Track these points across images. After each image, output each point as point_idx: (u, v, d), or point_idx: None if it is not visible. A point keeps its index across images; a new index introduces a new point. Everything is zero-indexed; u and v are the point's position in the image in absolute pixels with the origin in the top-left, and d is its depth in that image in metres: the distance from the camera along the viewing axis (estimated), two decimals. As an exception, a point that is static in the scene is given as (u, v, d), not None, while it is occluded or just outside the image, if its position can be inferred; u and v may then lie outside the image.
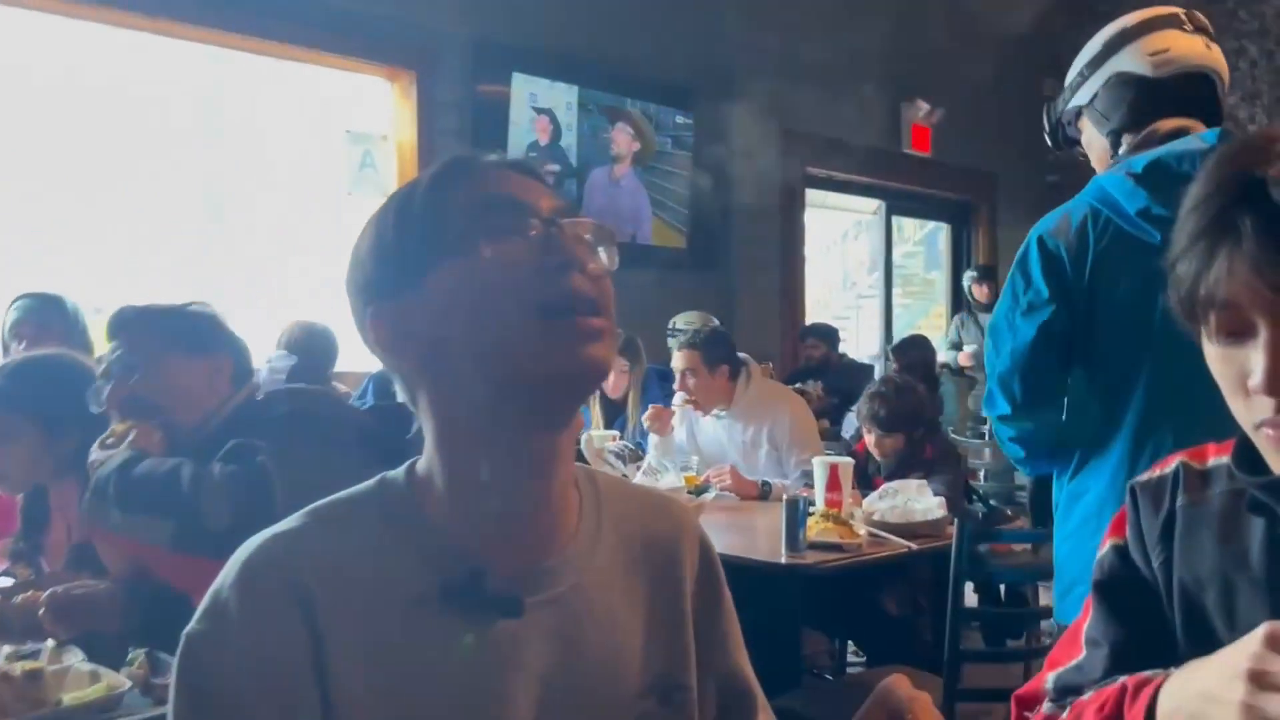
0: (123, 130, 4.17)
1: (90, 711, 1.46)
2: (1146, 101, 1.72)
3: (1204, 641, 0.87)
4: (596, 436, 3.59)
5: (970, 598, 3.21)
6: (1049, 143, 1.97)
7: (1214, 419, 0.87)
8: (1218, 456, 0.92)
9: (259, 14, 3.80)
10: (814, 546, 2.51)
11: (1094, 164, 1.86)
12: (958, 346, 6.19)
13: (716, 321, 4.27)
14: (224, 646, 0.74)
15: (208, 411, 1.84)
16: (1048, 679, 1.00)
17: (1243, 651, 0.71)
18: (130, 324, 1.85)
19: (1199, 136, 1.64)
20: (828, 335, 5.69)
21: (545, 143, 4.64)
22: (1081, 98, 1.84)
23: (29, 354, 2.33)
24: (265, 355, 3.45)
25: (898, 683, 0.80)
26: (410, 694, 0.76)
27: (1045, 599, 3.23)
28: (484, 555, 0.80)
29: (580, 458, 2.53)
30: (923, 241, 7.61)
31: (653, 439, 3.59)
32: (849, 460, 2.89)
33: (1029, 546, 2.94)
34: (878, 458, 3.25)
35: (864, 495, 2.88)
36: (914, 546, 2.63)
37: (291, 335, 3.41)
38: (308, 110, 4.45)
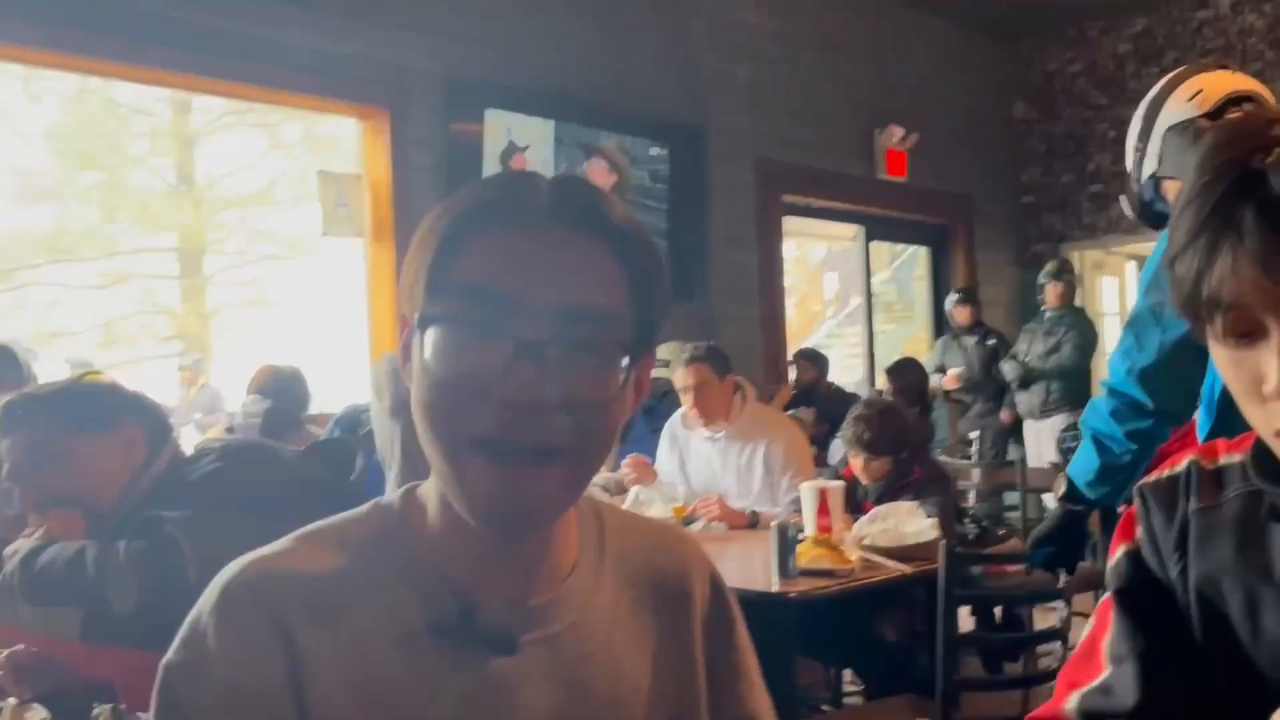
0: (94, 180, 4.15)
1: (53, 771, 1.39)
2: None
3: (1226, 653, 0.83)
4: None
5: (967, 622, 3.17)
6: (1147, 225, 2.01)
7: None
8: (1229, 454, 0.87)
9: (226, 55, 3.77)
10: (806, 573, 2.47)
11: None
12: (941, 370, 6.18)
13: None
14: (202, 677, 0.70)
15: (125, 486, 1.75)
16: (1069, 701, 0.92)
17: None
18: (24, 416, 1.73)
19: None
20: (818, 360, 5.71)
21: (521, 178, 4.61)
22: (1149, 167, 1.93)
23: None
24: (240, 400, 3.42)
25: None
26: None
27: (1042, 621, 3.18)
28: (477, 589, 0.75)
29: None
30: (901, 266, 7.63)
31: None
32: (839, 484, 2.84)
33: (1022, 567, 2.90)
34: (865, 482, 3.21)
35: (853, 520, 2.83)
36: (908, 570, 2.59)
37: (263, 379, 3.37)
38: (280, 152, 4.44)
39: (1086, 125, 6.97)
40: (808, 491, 2.77)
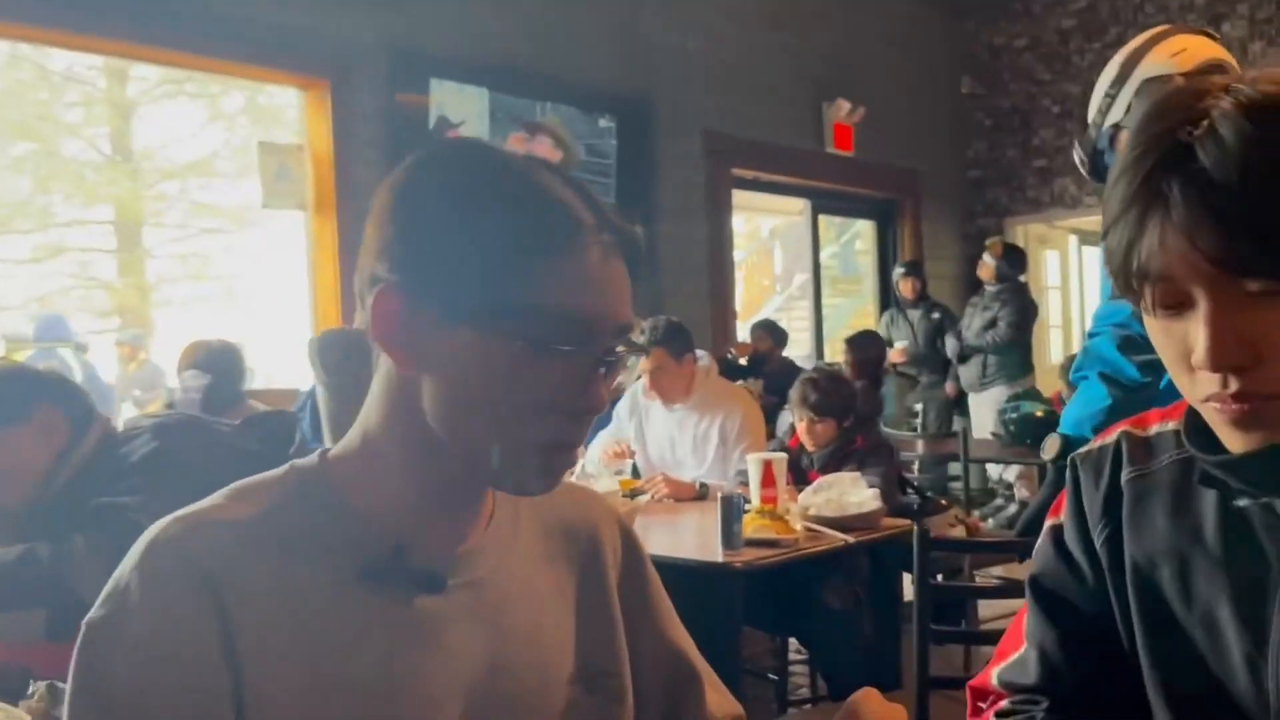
0: (26, 150, 4.03)
1: (-16, 750, 1.36)
2: None
3: (1160, 621, 0.84)
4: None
5: (908, 590, 3.22)
6: (1089, 176, 2.01)
7: None
8: (1161, 423, 0.89)
9: (164, 23, 3.67)
10: (751, 543, 2.49)
11: None
12: (889, 343, 6.25)
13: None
14: (125, 634, 0.70)
15: (49, 473, 1.70)
16: (994, 672, 0.97)
17: None
18: None
19: None
20: (775, 332, 5.77)
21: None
22: (1115, 114, 1.92)
23: None
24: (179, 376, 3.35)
25: (869, 697, 0.77)
26: (328, 674, 0.73)
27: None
28: (403, 534, 0.78)
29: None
30: (846, 241, 7.68)
31: (594, 452, 3.54)
32: (783, 456, 2.88)
33: (963, 529, 2.95)
34: (809, 447, 3.26)
35: (799, 491, 2.86)
36: (850, 539, 2.62)
37: (198, 354, 3.30)
38: (221, 123, 4.35)
39: (1031, 100, 7.05)
40: (753, 463, 2.80)
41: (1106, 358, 1.93)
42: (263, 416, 1.95)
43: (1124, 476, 0.88)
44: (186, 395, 3.19)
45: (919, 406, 6.29)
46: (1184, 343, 0.73)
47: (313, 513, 0.77)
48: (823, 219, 6.81)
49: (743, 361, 5.48)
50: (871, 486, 2.78)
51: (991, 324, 5.93)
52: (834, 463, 3.17)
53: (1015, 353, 5.98)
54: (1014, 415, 4.68)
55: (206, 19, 3.75)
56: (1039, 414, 4.60)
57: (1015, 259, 6.15)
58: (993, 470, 6.24)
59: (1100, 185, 2.03)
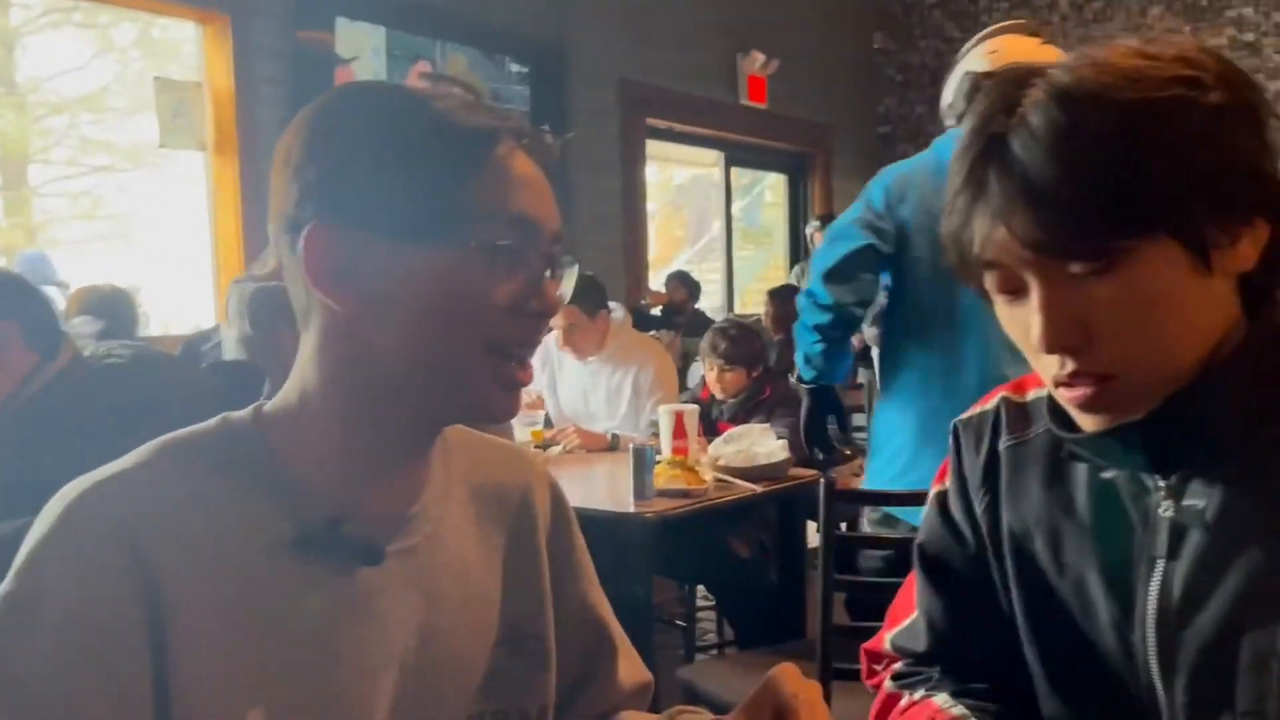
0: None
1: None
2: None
3: (1036, 589, 0.86)
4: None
5: (814, 538, 3.29)
6: None
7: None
8: (1038, 389, 0.89)
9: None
10: (662, 494, 2.52)
11: None
12: (797, 296, 6.34)
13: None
14: (40, 608, 0.65)
15: (7, 393, 1.65)
16: (886, 639, 0.99)
17: None
18: None
19: None
20: (688, 283, 5.80)
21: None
22: (945, 99, 2.12)
23: None
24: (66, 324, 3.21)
25: (786, 674, 0.77)
26: (260, 646, 0.69)
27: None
28: (340, 502, 0.75)
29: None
30: (758, 194, 7.72)
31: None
32: (694, 407, 2.91)
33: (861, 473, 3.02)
34: (719, 395, 3.32)
35: (709, 442, 2.89)
36: (758, 489, 2.67)
37: (87, 299, 3.15)
38: (112, 56, 4.14)
39: (940, 58, 7.14)
40: (664, 414, 2.82)
41: (800, 318, 2.22)
42: (234, 365, 1.88)
43: (1001, 444, 0.89)
44: (77, 342, 3.05)
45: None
46: (1025, 326, 0.75)
47: (248, 476, 0.74)
48: (734, 171, 6.82)
49: (656, 311, 5.50)
50: (780, 437, 2.83)
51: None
52: (743, 413, 3.22)
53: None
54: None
55: (95, -56, 3.55)
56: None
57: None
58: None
59: None
